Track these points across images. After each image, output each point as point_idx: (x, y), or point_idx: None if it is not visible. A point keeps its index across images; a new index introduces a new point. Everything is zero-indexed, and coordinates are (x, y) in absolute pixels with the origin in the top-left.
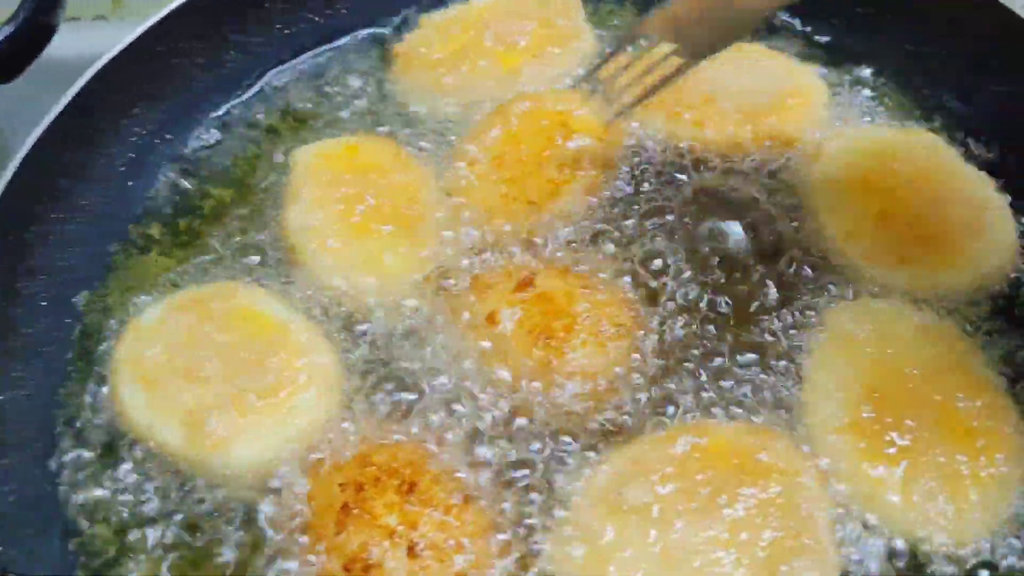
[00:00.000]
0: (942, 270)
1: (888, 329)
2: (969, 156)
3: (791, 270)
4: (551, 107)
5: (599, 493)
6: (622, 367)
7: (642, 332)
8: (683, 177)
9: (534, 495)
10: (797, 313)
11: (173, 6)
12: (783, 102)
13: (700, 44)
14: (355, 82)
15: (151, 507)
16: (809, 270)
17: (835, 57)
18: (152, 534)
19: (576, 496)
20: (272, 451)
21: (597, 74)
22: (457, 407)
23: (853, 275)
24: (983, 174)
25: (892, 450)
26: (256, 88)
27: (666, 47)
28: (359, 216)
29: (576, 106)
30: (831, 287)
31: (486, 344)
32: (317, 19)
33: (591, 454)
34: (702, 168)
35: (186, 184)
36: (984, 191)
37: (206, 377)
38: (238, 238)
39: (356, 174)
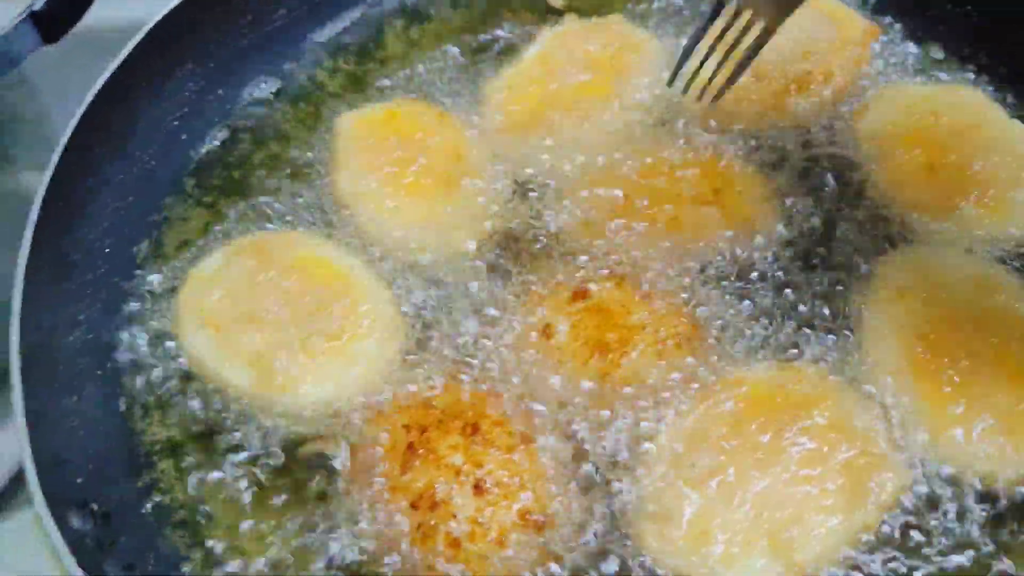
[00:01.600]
0: (990, 219)
1: (939, 277)
2: (1012, 110)
3: (844, 223)
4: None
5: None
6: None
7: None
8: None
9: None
10: (851, 266)
11: None
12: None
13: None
14: (398, 46)
15: (222, 442)
16: (861, 222)
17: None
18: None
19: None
20: (339, 392)
21: (683, 69)
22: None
23: (903, 226)
24: None
25: (950, 389)
26: (305, 45)
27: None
28: (410, 176)
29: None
30: (882, 239)
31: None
32: None
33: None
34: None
35: (237, 139)
36: None
37: (271, 321)
38: (290, 194)
39: (401, 137)
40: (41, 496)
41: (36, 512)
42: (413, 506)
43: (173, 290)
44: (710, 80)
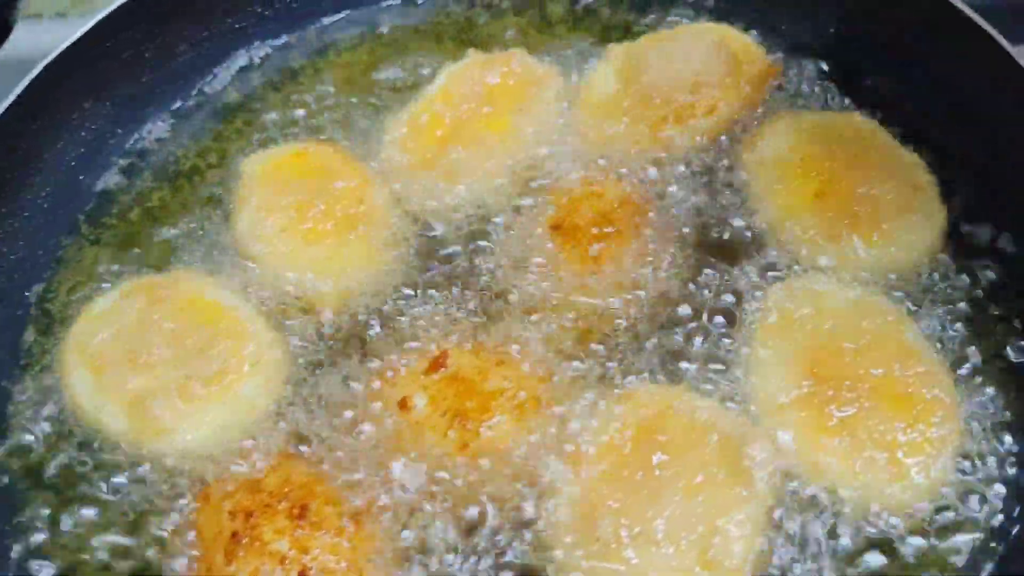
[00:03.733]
0: (876, 248)
1: (825, 305)
2: (905, 140)
3: (731, 251)
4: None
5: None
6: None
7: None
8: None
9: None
10: (739, 294)
11: (122, 1)
12: (726, 88)
13: None
14: (301, 83)
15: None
16: (749, 250)
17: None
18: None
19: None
20: (214, 439)
21: None
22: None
23: (791, 254)
24: (916, 158)
25: (833, 422)
26: (207, 81)
27: None
28: (309, 221)
29: None
30: (770, 266)
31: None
32: (265, 11)
33: None
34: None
35: (136, 179)
36: (918, 175)
37: (153, 363)
38: (188, 232)
39: (304, 180)
40: None
41: None
42: None
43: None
44: None
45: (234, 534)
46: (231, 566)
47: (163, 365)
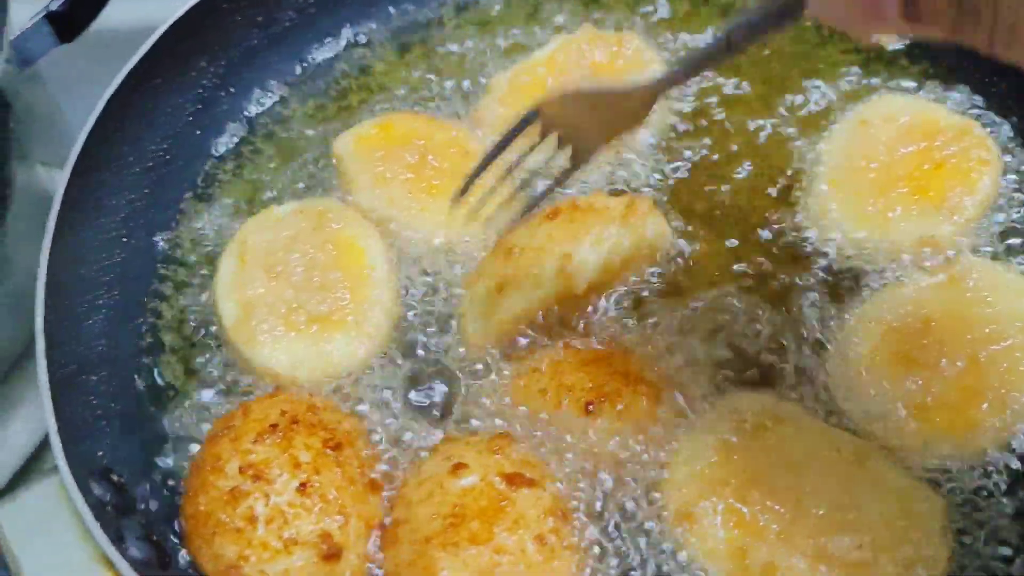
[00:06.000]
0: None
1: None
2: None
3: None
4: None
5: None
6: None
7: None
8: None
9: None
10: None
11: None
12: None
13: (588, 140)
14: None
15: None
16: None
17: None
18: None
19: None
20: (294, 370)
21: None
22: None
23: None
24: None
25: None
26: (314, 50)
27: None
28: (427, 179)
29: None
30: None
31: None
32: None
33: None
34: None
35: (250, 137)
36: None
37: (281, 278)
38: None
39: (402, 145)
40: (66, 465)
41: (61, 481)
42: (240, 471)
43: (184, 283)
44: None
45: (273, 425)
46: (255, 445)
47: (287, 284)
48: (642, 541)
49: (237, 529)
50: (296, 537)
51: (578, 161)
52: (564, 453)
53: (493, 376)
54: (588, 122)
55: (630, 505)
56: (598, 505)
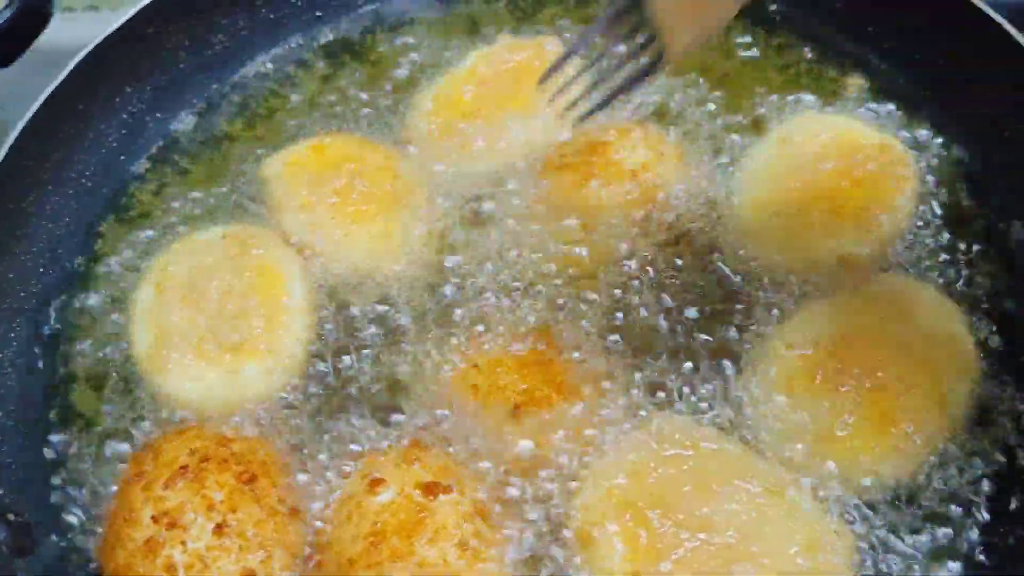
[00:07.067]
0: None
1: None
2: None
3: None
4: None
5: None
6: None
7: None
8: None
9: None
10: None
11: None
12: None
13: (680, 33)
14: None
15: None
16: None
17: None
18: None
19: None
20: (205, 400)
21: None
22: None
23: None
24: None
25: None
26: (242, 72)
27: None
28: (353, 205)
29: None
30: None
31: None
32: (299, 3)
33: None
34: None
35: (177, 159)
36: None
37: (195, 305)
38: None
39: (332, 169)
40: None
41: None
42: (154, 519)
43: (105, 308)
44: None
45: (183, 467)
46: (166, 490)
47: (202, 312)
48: (558, 552)
49: None
50: None
51: (666, 57)
52: (482, 459)
53: (428, 366)
54: (681, 14)
55: (546, 513)
56: (517, 510)
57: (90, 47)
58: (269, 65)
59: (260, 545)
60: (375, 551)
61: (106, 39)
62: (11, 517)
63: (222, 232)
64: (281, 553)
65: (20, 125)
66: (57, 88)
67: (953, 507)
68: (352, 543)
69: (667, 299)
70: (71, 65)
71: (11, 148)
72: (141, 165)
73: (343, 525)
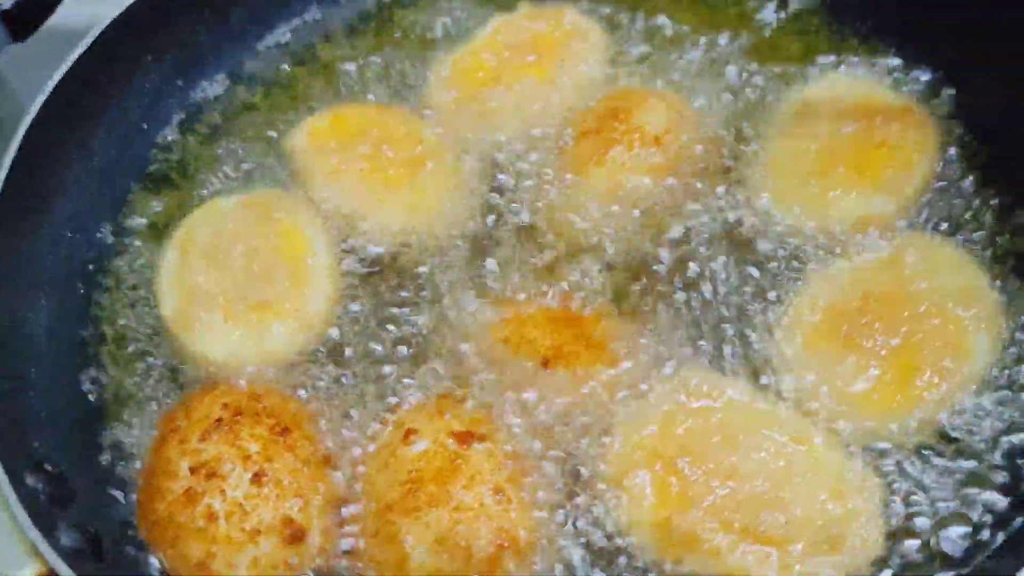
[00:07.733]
0: None
1: None
2: None
3: None
4: None
5: None
6: None
7: None
8: None
9: None
10: None
11: None
12: None
13: None
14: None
15: None
16: None
17: None
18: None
19: None
20: (232, 358)
21: None
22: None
23: None
24: None
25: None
26: (263, 42)
27: None
28: (384, 169)
29: None
30: None
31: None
32: None
33: None
34: None
35: (199, 128)
36: None
37: (221, 267)
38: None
39: (356, 136)
40: None
41: None
42: (192, 471)
43: (135, 273)
44: None
45: (218, 420)
46: (203, 444)
47: (228, 273)
48: (589, 499)
49: (199, 528)
50: (258, 526)
51: None
52: (513, 410)
53: (458, 321)
54: None
55: (577, 462)
56: (548, 460)
57: (109, 20)
58: (288, 35)
59: (296, 493)
60: (412, 497)
61: (126, 11)
62: (48, 468)
63: (246, 197)
64: (317, 500)
65: (40, 99)
66: (78, 59)
67: (981, 452)
68: (389, 489)
69: (692, 265)
70: (90, 37)
71: (33, 121)
72: (164, 135)
73: (379, 473)
